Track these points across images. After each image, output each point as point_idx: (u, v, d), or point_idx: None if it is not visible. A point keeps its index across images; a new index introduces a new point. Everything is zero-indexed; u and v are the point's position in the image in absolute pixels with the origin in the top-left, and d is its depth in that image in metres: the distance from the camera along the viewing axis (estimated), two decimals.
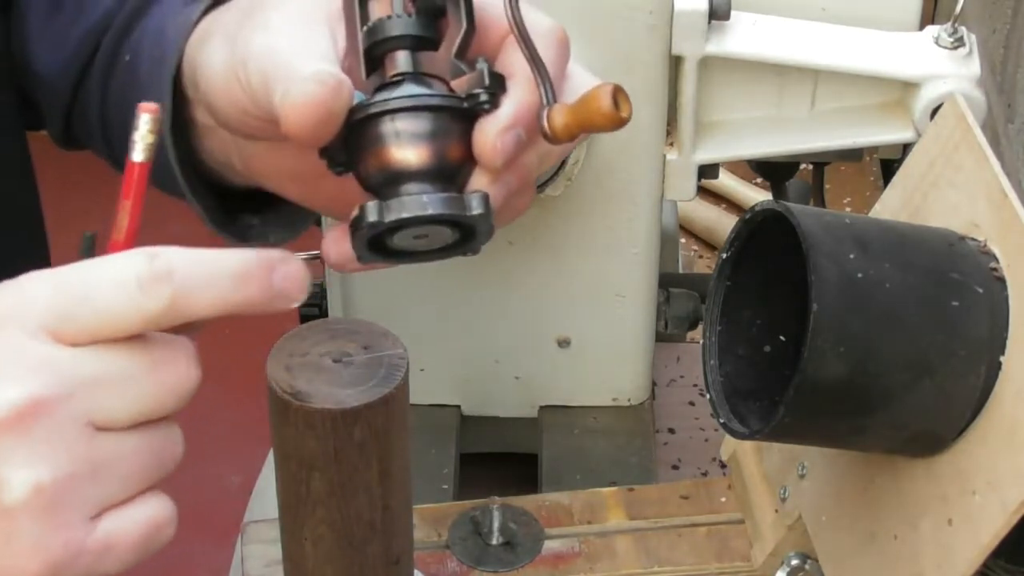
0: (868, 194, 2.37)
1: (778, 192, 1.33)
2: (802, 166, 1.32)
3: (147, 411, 0.66)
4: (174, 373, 0.67)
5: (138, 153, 0.69)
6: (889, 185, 1.04)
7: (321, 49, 0.78)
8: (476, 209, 0.75)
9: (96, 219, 0.77)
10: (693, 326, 1.37)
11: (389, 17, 0.79)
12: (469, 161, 0.78)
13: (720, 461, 1.27)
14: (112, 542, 0.65)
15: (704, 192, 2.12)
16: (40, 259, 1.06)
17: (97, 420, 0.65)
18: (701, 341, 0.96)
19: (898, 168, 1.05)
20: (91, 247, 0.71)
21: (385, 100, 0.77)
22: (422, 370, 1.33)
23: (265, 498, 1.38)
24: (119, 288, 0.65)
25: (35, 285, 0.66)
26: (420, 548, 1.12)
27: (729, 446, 1.17)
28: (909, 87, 1.20)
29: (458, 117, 0.78)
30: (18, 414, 0.62)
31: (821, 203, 1.35)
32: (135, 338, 0.66)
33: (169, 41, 0.88)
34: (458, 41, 0.79)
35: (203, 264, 0.66)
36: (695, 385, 1.45)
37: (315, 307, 1.36)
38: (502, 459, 1.39)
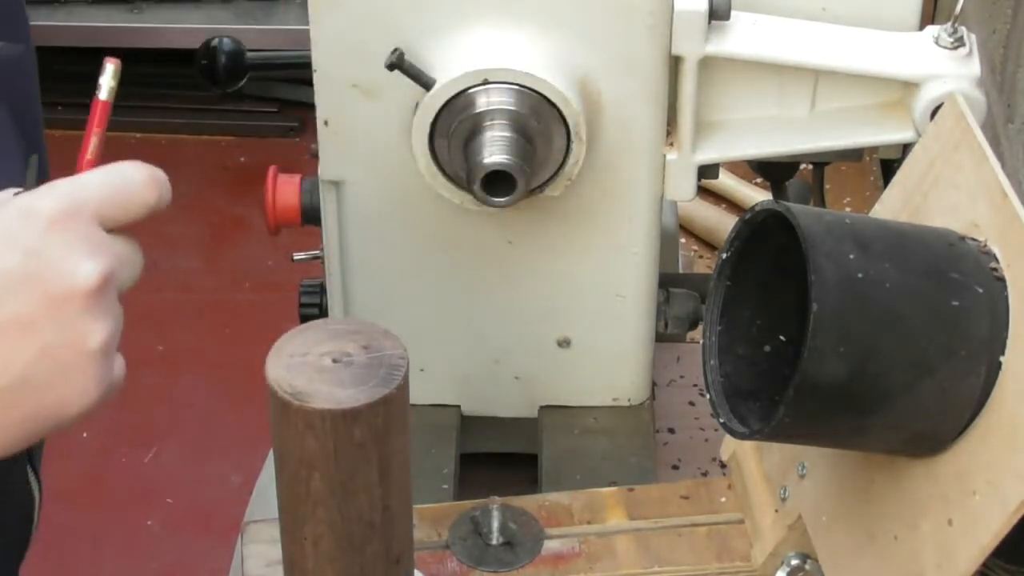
0: (868, 194, 2.37)
1: (778, 192, 1.33)
2: (802, 166, 1.32)
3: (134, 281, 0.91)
4: (142, 254, 0.92)
5: (104, 93, 0.92)
6: (889, 185, 1.04)
7: None
8: None
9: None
10: (693, 326, 1.37)
11: None
12: None
13: (720, 461, 1.26)
14: (117, 377, 0.89)
15: (704, 192, 2.11)
16: None
17: (122, 288, 0.89)
18: (701, 341, 0.96)
19: (898, 168, 1.05)
20: (36, 173, 0.96)
21: None
22: (422, 370, 1.33)
23: (265, 498, 1.38)
24: (142, 191, 0.89)
25: (85, 185, 0.88)
26: (420, 548, 1.12)
27: (729, 446, 1.17)
28: (909, 87, 1.20)
29: None
30: (100, 282, 0.85)
31: (821, 203, 1.35)
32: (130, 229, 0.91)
33: None
34: None
35: (161, 173, 0.91)
36: (695, 385, 1.45)
37: (315, 307, 1.36)
38: (502, 459, 1.39)
